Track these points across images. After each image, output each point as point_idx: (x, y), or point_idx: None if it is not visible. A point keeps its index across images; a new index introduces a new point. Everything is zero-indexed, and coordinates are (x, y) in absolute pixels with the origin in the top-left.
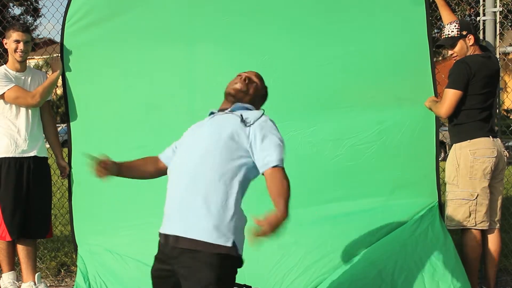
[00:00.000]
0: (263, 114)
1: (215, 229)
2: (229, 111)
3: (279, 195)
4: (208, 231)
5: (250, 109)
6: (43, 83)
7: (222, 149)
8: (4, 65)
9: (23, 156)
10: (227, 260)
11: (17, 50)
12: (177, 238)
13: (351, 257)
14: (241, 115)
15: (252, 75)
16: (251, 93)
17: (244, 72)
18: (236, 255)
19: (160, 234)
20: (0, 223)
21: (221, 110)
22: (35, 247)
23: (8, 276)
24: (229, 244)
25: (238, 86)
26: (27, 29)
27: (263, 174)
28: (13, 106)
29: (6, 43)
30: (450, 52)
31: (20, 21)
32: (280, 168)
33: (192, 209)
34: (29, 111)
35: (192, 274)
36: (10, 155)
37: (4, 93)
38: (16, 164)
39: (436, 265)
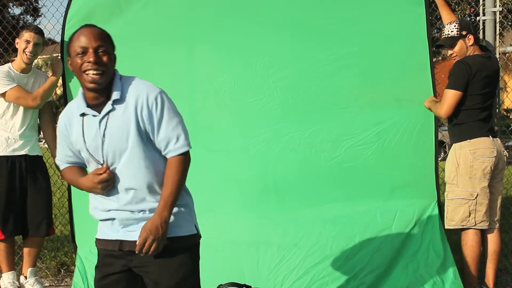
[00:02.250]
0: None
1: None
2: None
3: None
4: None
5: None
6: (43, 84)
7: None
8: (9, 63)
9: (15, 154)
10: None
11: (26, 51)
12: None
13: (351, 261)
14: None
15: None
16: None
17: None
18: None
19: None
20: None
21: None
22: (38, 246)
23: (8, 276)
24: (194, 231)
25: None
26: (40, 32)
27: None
28: (12, 105)
29: (17, 43)
30: (449, 52)
31: (20, 21)
32: None
33: None
34: (28, 111)
35: (162, 263)
36: (2, 154)
37: (5, 92)
38: (7, 162)
39: (436, 283)
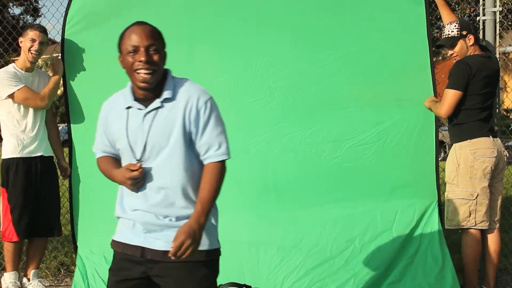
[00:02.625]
0: None
1: None
2: None
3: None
4: None
5: None
6: (48, 85)
7: None
8: (13, 63)
9: (31, 156)
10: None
11: (31, 50)
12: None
13: (351, 263)
14: None
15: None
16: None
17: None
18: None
19: None
20: (8, 224)
21: None
22: (44, 248)
23: (10, 276)
24: (216, 246)
25: None
26: (44, 30)
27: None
28: (21, 106)
29: (21, 41)
30: (450, 52)
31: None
32: None
33: None
34: (37, 111)
35: (183, 275)
36: (18, 156)
37: (13, 93)
38: (24, 164)
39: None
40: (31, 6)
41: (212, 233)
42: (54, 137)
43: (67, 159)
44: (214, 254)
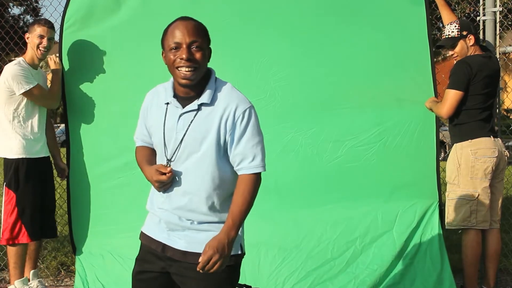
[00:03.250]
0: None
1: None
2: None
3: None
4: None
5: None
6: (54, 84)
7: None
8: (21, 58)
9: (37, 157)
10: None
11: (40, 46)
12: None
13: (351, 265)
14: None
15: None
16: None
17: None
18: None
19: None
20: (18, 226)
21: None
22: (40, 248)
23: (22, 284)
24: (239, 251)
25: None
26: (52, 26)
27: None
28: (29, 106)
29: (28, 37)
30: (450, 52)
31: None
32: None
33: None
34: (43, 112)
35: (203, 276)
36: (28, 156)
37: (29, 89)
38: (34, 165)
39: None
40: (30, 6)
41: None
42: (51, 138)
43: (64, 160)
44: (234, 259)
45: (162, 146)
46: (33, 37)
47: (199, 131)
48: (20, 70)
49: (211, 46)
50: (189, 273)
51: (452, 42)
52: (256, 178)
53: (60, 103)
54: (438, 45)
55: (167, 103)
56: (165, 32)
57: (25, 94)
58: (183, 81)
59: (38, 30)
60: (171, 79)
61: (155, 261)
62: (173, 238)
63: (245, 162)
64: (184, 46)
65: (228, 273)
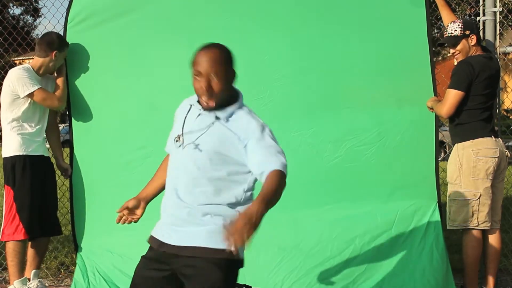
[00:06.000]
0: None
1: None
2: None
3: None
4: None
5: None
6: (60, 86)
7: None
8: (28, 65)
9: (34, 154)
10: (232, 262)
11: (61, 68)
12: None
13: (351, 263)
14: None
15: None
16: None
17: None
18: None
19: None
20: (16, 222)
21: None
22: (46, 247)
23: (21, 284)
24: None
25: None
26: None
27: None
28: (30, 109)
29: (55, 54)
30: (452, 51)
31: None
32: None
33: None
34: (45, 113)
35: (199, 273)
36: (23, 153)
37: (33, 92)
38: (30, 161)
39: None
40: (31, 6)
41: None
42: (55, 138)
43: (66, 160)
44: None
45: (177, 137)
46: (62, 57)
47: (211, 138)
48: (25, 73)
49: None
50: (187, 267)
51: (455, 41)
52: (282, 174)
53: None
54: (440, 43)
55: (191, 105)
56: (193, 57)
57: (30, 96)
58: (205, 107)
59: (66, 52)
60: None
61: (158, 267)
62: (170, 233)
63: (267, 163)
64: (205, 75)
65: (224, 269)
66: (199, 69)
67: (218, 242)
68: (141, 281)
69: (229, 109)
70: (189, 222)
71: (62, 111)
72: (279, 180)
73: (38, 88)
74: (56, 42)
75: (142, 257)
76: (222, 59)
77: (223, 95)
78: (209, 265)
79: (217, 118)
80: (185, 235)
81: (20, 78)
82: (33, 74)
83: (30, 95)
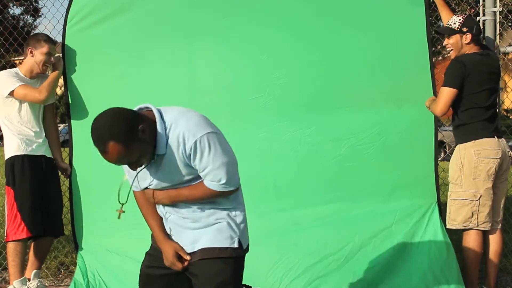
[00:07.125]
0: None
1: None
2: None
3: None
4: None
5: None
6: (47, 79)
7: None
8: (16, 68)
9: (35, 154)
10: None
11: (46, 63)
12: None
13: (350, 260)
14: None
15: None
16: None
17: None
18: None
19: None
20: (18, 220)
21: None
22: (49, 248)
23: (21, 284)
24: (236, 245)
25: None
26: (55, 42)
27: None
28: (24, 107)
29: (31, 51)
30: (445, 42)
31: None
32: None
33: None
34: (39, 113)
35: (207, 272)
36: (22, 153)
37: (14, 89)
38: (30, 161)
39: (440, 281)
40: (31, 6)
41: (229, 231)
42: (54, 138)
43: (66, 161)
44: (231, 252)
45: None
46: (40, 53)
47: (164, 177)
48: (6, 73)
49: (211, 43)
50: (195, 269)
51: (450, 33)
52: (215, 192)
53: (56, 102)
54: (436, 30)
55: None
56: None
57: (11, 94)
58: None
59: (46, 47)
60: None
61: (163, 264)
62: (174, 236)
63: (208, 177)
64: (121, 164)
65: (227, 265)
66: (113, 163)
67: (221, 241)
68: (148, 279)
69: (161, 142)
70: (188, 227)
71: (62, 111)
72: (207, 192)
73: (18, 86)
74: (29, 40)
75: (146, 253)
76: (120, 148)
77: (146, 150)
78: (216, 264)
79: (159, 155)
80: (187, 238)
81: (2, 80)
82: (18, 75)
83: (11, 93)
